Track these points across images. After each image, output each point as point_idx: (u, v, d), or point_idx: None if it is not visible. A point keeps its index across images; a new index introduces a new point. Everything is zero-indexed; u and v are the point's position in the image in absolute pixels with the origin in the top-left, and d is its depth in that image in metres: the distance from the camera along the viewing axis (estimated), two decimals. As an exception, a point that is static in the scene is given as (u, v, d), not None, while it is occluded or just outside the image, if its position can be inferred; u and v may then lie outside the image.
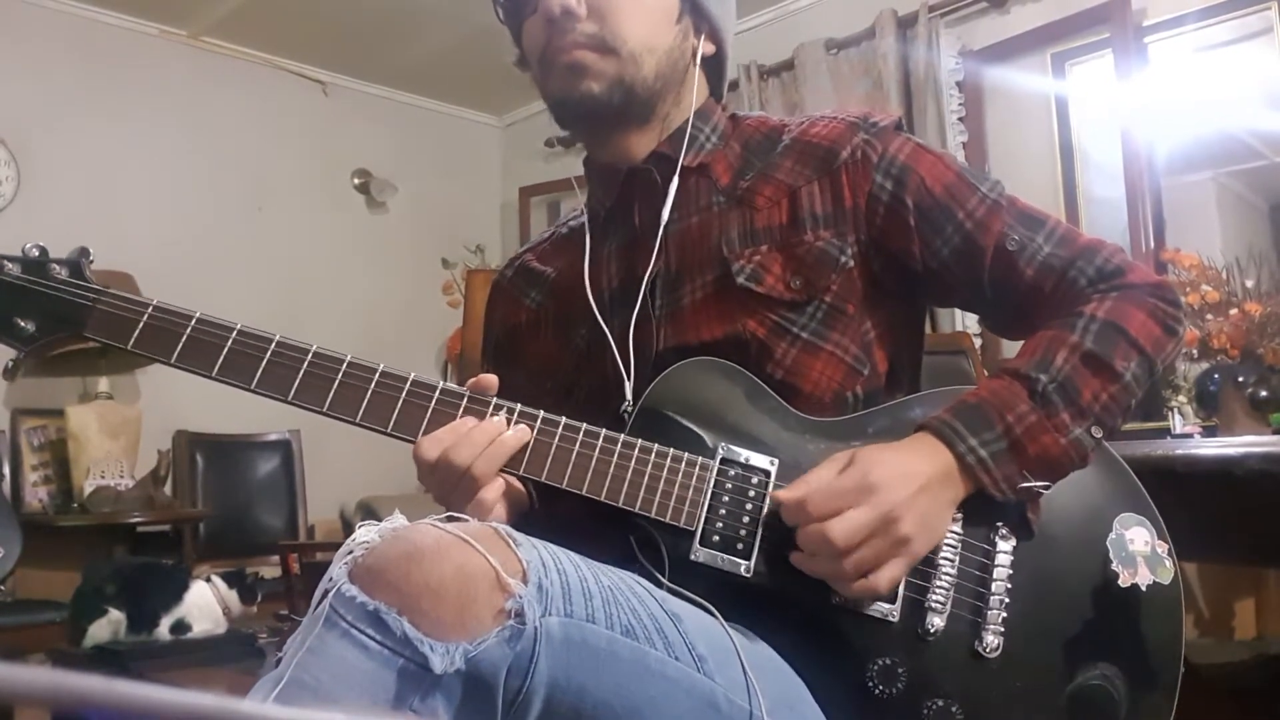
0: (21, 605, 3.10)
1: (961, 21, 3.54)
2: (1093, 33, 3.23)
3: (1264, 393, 2.20)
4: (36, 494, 3.65)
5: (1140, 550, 0.89)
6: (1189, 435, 2.41)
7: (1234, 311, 2.53)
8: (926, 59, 3.47)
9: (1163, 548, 0.90)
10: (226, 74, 4.32)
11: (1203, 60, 3.07)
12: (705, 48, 1.07)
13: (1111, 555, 0.88)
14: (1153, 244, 3.03)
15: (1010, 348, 1.62)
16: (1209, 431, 2.40)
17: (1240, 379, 2.24)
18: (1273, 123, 2.91)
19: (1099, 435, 0.89)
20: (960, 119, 3.49)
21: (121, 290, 0.92)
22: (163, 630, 2.39)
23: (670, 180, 1.03)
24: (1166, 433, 2.52)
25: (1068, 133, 3.34)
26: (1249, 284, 2.71)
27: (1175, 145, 3.11)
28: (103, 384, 3.72)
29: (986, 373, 2.50)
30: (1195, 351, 2.51)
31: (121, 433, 3.66)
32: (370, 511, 4.06)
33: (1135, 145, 3.10)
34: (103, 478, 3.54)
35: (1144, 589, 0.88)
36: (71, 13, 3.94)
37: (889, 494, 0.83)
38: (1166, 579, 0.89)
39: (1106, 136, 3.20)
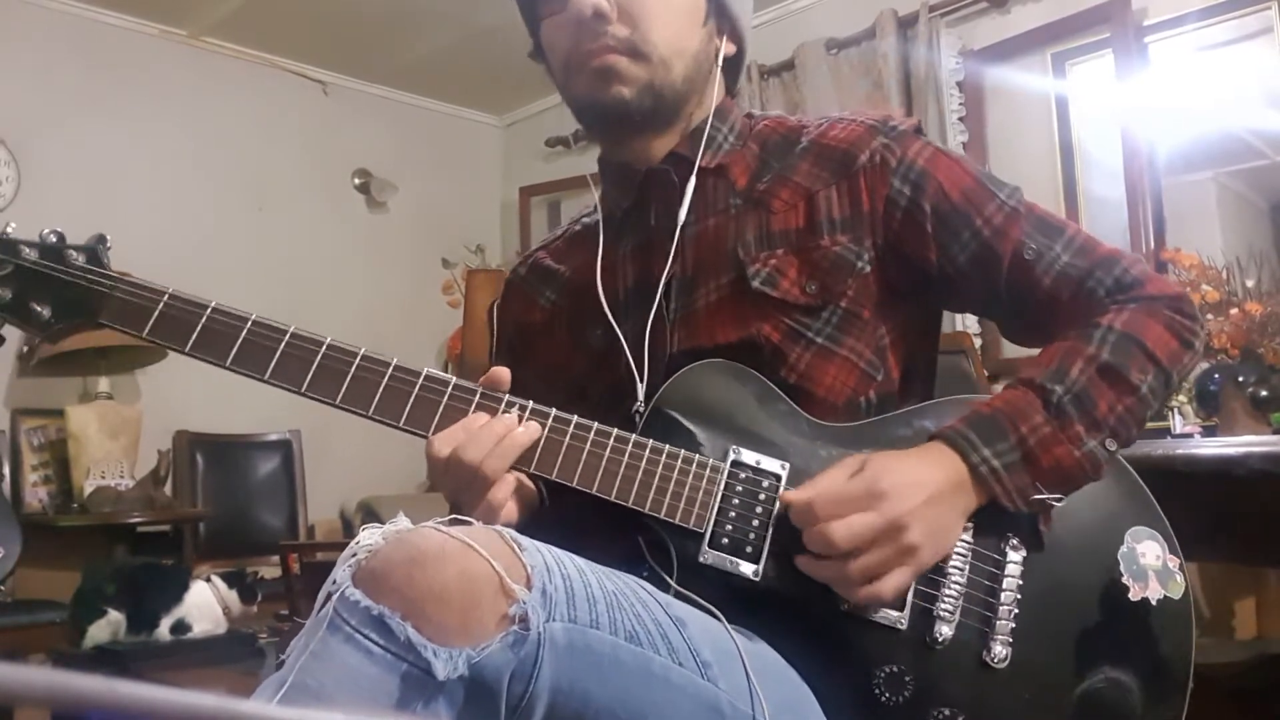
0: (21, 605, 3.09)
1: (962, 21, 3.54)
2: (1093, 33, 3.23)
3: (1264, 392, 2.19)
4: (36, 494, 3.64)
5: (1151, 564, 0.88)
6: (1189, 435, 2.41)
7: (1234, 311, 2.52)
8: (927, 59, 3.47)
9: (1174, 562, 0.89)
10: (226, 74, 4.32)
11: (1203, 60, 3.07)
12: (727, 48, 1.06)
13: (1122, 569, 0.88)
14: (1153, 244, 3.03)
15: (1012, 349, 1.62)
16: (1209, 431, 2.40)
17: (1240, 379, 2.24)
18: (1273, 122, 2.91)
19: (1113, 448, 0.88)
20: (960, 119, 3.48)
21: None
22: (163, 630, 2.40)
23: (687, 181, 1.02)
24: (1166, 433, 2.51)
25: (1068, 132, 3.34)
26: (1249, 284, 2.71)
27: (1175, 145, 3.11)
28: (103, 384, 3.71)
29: (986, 373, 2.49)
30: (1195, 351, 2.50)
31: (121, 433, 3.65)
32: (370, 512, 4.05)
33: (1135, 145, 3.10)
34: (103, 478, 3.54)
35: (1154, 603, 0.87)
36: (71, 13, 3.94)
37: (897, 502, 0.82)
38: (1177, 594, 0.88)
39: (1106, 136, 3.19)
